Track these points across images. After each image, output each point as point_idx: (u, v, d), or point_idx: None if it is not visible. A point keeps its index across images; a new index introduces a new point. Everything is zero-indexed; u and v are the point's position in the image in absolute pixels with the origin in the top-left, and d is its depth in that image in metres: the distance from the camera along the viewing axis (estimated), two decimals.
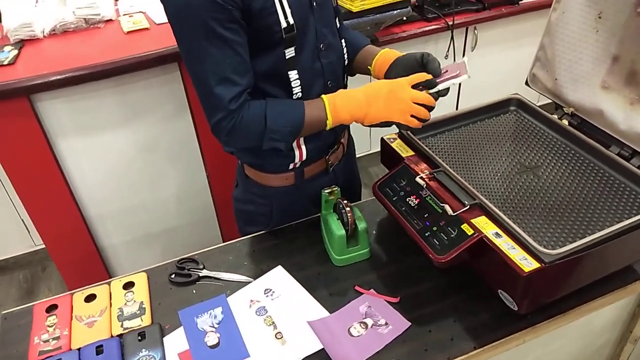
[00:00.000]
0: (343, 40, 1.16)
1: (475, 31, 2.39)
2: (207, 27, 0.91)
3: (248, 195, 1.25)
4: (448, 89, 1.04)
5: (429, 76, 1.02)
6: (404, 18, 2.22)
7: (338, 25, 1.14)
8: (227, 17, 0.91)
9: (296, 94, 1.07)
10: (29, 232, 2.20)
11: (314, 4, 1.04)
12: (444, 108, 2.70)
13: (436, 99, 1.03)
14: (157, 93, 1.69)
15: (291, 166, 1.17)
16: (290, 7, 0.98)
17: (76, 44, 1.67)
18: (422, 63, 1.07)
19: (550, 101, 1.26)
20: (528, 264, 0.86)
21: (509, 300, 0.94)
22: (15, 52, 1.60)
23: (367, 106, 1.02)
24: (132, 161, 1.79)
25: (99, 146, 1.71)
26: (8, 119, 1.51)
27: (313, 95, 1.10)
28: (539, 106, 1.25)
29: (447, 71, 1.06)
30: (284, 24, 0.98)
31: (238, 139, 1.04)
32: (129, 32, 1.70)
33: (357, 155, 1.42)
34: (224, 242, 2.08)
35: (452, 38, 2.31)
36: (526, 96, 1.30)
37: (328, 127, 1.05)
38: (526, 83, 1.30)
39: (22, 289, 2.31)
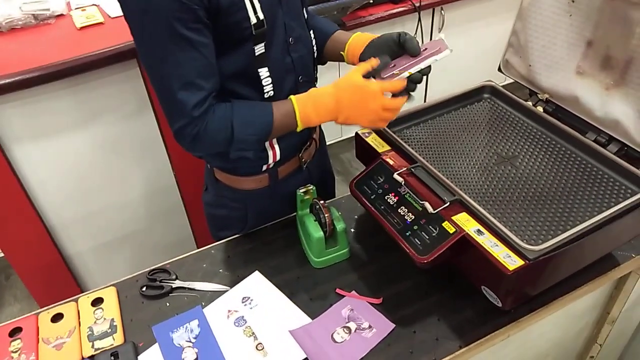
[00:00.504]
0: (312, 32, 1.11)
1: (442, 12, 2.36)
2: (171, 27, 0.84)
3: (220, 200, 1.20)
4: (430, 66, 0.99)
5: (404, 83, 0.97)
6: (371, 1, 2.17)
7: (306, 16, 1.08)
8: (192, 17, 0.85)
9: (267, 92, 1.02)
10: None
11: None
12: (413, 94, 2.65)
13: (420, 80, 0.99)
14: (116, 91, 1.60)
15: (264, 167, 1.12)
16: (259, 1, 0.92)
17: (25, 43, 1.56)
18: (400, 43, 1.02)
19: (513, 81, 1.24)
20: (512, 262, 0.84)
21: (493, 297, 0.92)
22: None
23: (337, 112, 0.98)
24: (93, 164, 1.70)
25: (57, 150, 1.62)
26: None
27: (284, 92, 1.05)
28: (504, 86, 1.23)
29: (426, 49, 1.01)
30: (253, 20, 0.92)
31: (203, 147, 0.98)
32: (82, 28, 1.59)
33: (328, 143, 1.38)
34: (196, 241, 2.05)
35: (419, 20, 2.27)
36: (496, 79, 1.28)
37: (298, 130, 1.01)
38: (499, 69, 1.27)
39: None
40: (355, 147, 1.19)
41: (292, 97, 0.99)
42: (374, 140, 1.13)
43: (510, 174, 1.04)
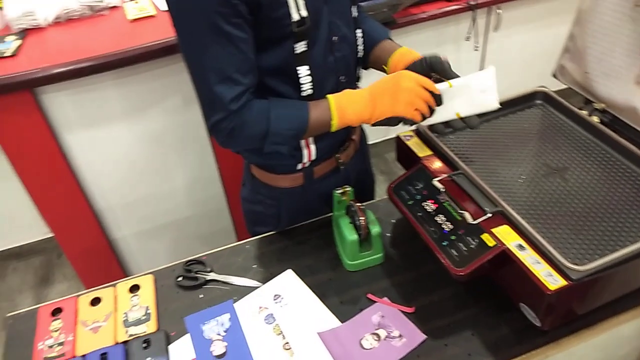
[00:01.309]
0: (359, 31, 1.08)
1: (498, 11, 2.27)
2: (211, 22, 0.84)
3: (256, 196, 1.20)
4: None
5: (437, 90, 0.95)
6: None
7: (355, 14, 1.06)
8: (233, 12, 0.84)
9: (305, 90, 1.00)
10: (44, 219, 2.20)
11: None
12: None
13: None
14: (163, 84, 1.63)
15: (300, 166, 1.11)
16: None
17: (80, 34, 1.61)
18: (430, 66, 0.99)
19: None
20: (553, 281, 0.80)
21: (532, 315, 0.88)
22: (18, 42, 1.55)
23: (373, 106, 0.95)
24: (140, 153, 1.75)
25: (106, 138, 1.68)
26: (11, 113, 1.48)
27: (324, 92, 1.03)
28: (558, 91, 1.17)
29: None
30: (295, 17, 0.91)
31: (238, 141, 0.98)
32: (133, 20, 1.63)
33: (372, 142, 1.36)
34: (236, 232, 2.08)
35: (473, 18, 2.20)
36: (551, 83, 1.22)
37: (333, 129, 0.99)
38: (553, 75, 1.21)
39: (38, 276, 2.33)
40: (396, 150, 1.17)
41: (329, 96, 0.99)
42: (415, 144, 1.10)
43: (559, 187, 0.99)
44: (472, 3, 2.14)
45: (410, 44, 2.26)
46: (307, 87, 1.00)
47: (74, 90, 1.54)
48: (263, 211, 1.21)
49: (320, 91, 1.02)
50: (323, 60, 1.01)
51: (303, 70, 0.98)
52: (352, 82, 1.12)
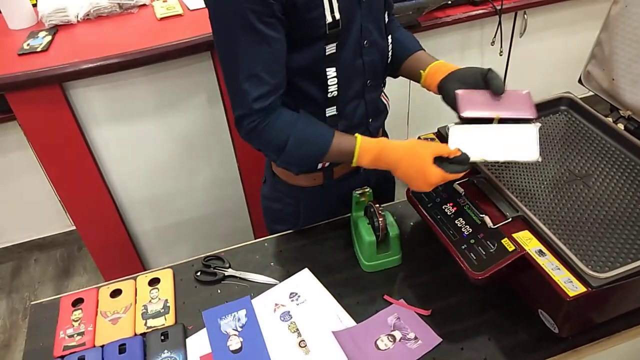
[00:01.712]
0: (389, 37, 1.08)
1: (525, 16, 2.25)
2: (245, 19, 0.85)
3: (276, 194, 1.21)
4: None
5: (463, 173, 0.94)
6: (449, 2, 2.11)
7: (387, 20, 1.06)
8: (267, 11, 0.86)
9: (331, 92, 1.01)
10: (65, 212, 2.25)
11: None
12: None
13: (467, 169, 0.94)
14: (189, 82, 1.65)
15: (320, 166, 1.12)
16: (338, 1, 0.91)
17: (109, 30, 1.65)
18: (485, 79, 0.98)
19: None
20: (573, 288, 0.79)
21: (550, 322, 0.87)
22: (49, 38, 1.59)
23: (394, 170, 0.97)
24: (164, 150, 1.78)
25: (131, 134, 1.70)
26: (40, 106, 1.51)
27: (350, 94, 1.04)
28: (583, 98, 1.15)
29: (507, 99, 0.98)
30: (329, 19, 0.92)
31: (256, 141, 1.00)
32: (162, 19, 1.66)
33: None
34: (254, 232, 2.09)
35: (499, 23, 2.18)
36: (576, 90, 1.20)
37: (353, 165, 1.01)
38: (579, 81, 1.20)
39: (59, 268, 2.38)
40: None
41: (358, 138, 0.98)
42: None
43: (582, 194, 0.98)
44: (498, 7, 2.12)
45: (434, 47, 2.26)
46: (333, 88, 1.01)
47: (101, 86, 1.57)
48: (282, 209, 1.22)
49: (345, 93, 1.03)
50: (351, 63, 1.01)
51: (331, 72, 0.99)
52: (379, 87, 1.12)
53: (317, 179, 1.15)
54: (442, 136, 1.11)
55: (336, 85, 1.01)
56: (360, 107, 1.09)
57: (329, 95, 1.01)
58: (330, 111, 1.05)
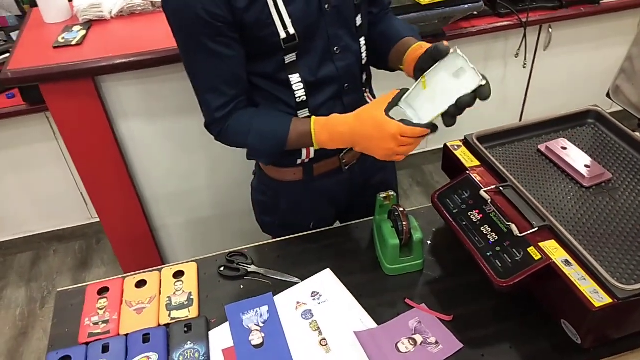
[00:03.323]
0: (362, 39, 1.07)
1: (550, 30, 2.25)
2: (198, 40, 0.92)
3: (260, 186, 1.26)
4: (467, 97, 0.87)
5: (426, 131, 0.90)
6: (475, 12, 2.12)
7: (359, 23, 1.05)
8: (217, 32, 0.91)
9: (299, 97, 1.03)
10: (86, 204, 2.28)
11: (326, 6, 0.97)
12: (509, 112, 2.58)
13: (454, 114, 0.89)
14: None
15: (299, 161, 1.13)
16: (291, 16, 0.93)
17: (142, 27, 1.68)
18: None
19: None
20: (599, 298, 0.79)
21: (573, 333, 0.88)
22: (83, 32, 1.62)
23: (352, 142, 0.97)
24: (189, 147, 1.80)
25: (158, 130, 1.73)
26: (73, 99, 1.55)
27: (321, 99, 1.05)
28: (611, 113, 1.15)
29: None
30: (283, 35, 0.95)
31: (225, 143, 1.08)
32: None
33: (411, 153, 1.34)
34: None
35: (524, 36, 2.19)
36: (602, 106, 1.20)
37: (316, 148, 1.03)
38: (607, 95, 1.20)
39: (77, 259, 2.41)
40: (442, 159, 1.17)
41: (312, 118, 1.00)
42: (462, 154, 1.11)
43: (608, 206, 0.98)
44: (523, 20, 2.13)
45: None
46: (300, 93, 1.03)
47: (132, 81, 1.60)
48: (266, 201, 1.26)
49: (314, 97, 1.04)
50: (317, 70, 1.02)
51: (295, 78, 1.01)
52: (358, 89, 1.12)
53: (297, 173, 1.16)
54: (469, 145, 1.12)
55: (303, 91, 1.03)
56: (337, 109, 1.07)
57: (298, 100, 1.04)
58: (303, 113, 1.06)
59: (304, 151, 1.11)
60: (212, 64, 0.95)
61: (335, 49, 1.02)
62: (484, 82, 0.86)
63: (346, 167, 1.19)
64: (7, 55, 1.84)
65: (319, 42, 1.00)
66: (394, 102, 0.93)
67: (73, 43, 1.56)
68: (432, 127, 0.91)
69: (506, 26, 2.15)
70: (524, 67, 2.31)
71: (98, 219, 1.99)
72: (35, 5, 1.73)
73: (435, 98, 0.90)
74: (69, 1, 1.76)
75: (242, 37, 0.94)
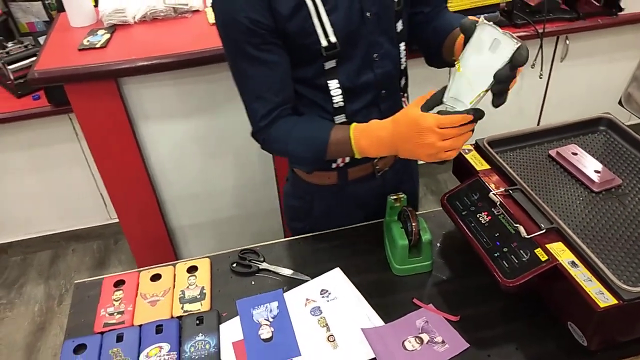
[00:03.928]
0: (402, 44, 1.08)
1: (567, 41, 2.25)
2: (243, 49, 0.94)
3: (294, 191, 1.26)
4: (507, 71, 0.80)
5: (467, 117, 0.84)
6: (491, 22, 2.13)
7: (400, 29, 1.06)
8: (261, 41, 0.93)
9: (337, 102, 1.05)
10: (105, 205, 2.33)
11: (367, 14, 0.98)
12: (525, 122, 2.57)
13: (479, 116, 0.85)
14: (233, 85, 1.72)
15: (334, 165, 1.15)
16: (333, 25, 0.95)
17: (163, 32, 1.73)
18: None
19: None
20: (604, 299, 0.80)
21: (579, 335, 0.88)
22: (108, 36, 1.68)
23: (394, 146, 0.93)
24: (205, 149, 1.85)
25: (176, 131, 1.78)
26: (96, 99, 1.60)
27: (357, 105, 1.06)
28: (629, 126, 1.16)
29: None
30: (324, 43, 0.97)
31: (270, 151, 1.10)
32: (213, 24, 1.73)
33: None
34: (285, 234, 2.13)
35: (540, 46, 2.19)
36: (618, 116, 1.21)
37: (357, 157, 1.01)
38: (619, 102, 1.21)
39: (95, 259, 2.46)
40: (453, 163, 1.18)
41: (352, 125, 0.98)
42: (473, 158, 1.12)
43: (617, 211, 0.99)
44: (540, 31, 2.14)
45: None
46: (337, 99, 1.05)
47: (153, 83, 1.65)
48: (300, 206, 1.26)
49: (352, 103, 1.05)
50: (356, 76, 1.04)
51: (333, 84, 1.03)
52: (395, 95, 1.13)
53: (331, 178, 1.17)
54: (480, 149, 1.13)
55: (341, 96, 1.04)
56: (374, 115, 1.07)
57: (335, 105, 1.05)
58: (339, 119, 1.08)
59: None
60: (256, 72, 0.97)
61: (375, 55, 1.03)
62: (519, 45, 0.78)
63: (379, 174, 1.20)
64: (34, 58, 1.91)
65: (359, 49, 1.01)
66: (434, 100, 0.88)
67: (97, 46, 1.62)
68: (474, 113, 0.84)
69: (522, 37, 2.16)
70: (540, 78, 2.31)
71: (116, 220, 2.05)
72: (63, 10, 1.80)
73: (473, 79, 0.84)
74: (95, 6, 1.82)
75: (284, 44, 0.97)
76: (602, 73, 2.43)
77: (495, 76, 0.80)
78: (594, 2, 2.27)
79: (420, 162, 1.37)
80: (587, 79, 2.43)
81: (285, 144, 1.03)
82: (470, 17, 0.84)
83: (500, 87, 0.82)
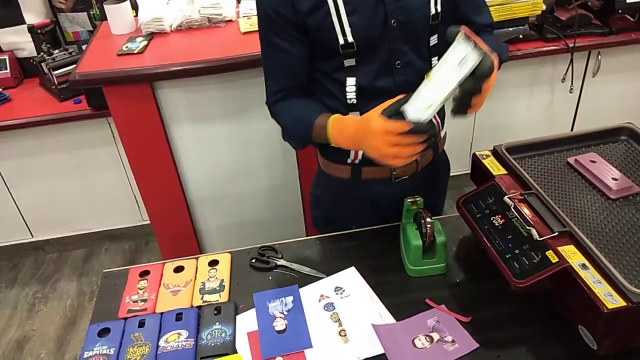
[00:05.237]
0: (435, 59, 1.10)
1: (599, 56, 2.23)
2: (267, 35, 1.07)
3: (317, 180, 1.33)
4: (471, 83, 0.83)
5: (406, 126, 0.87)
6: (520, 36, 2.14)
7: (434, 42, 1.08)
8: (282, 30, 1.03)
9: (350, 99, 1.10)
10: (139, 207, 2.42)
11: (392, 22, 1.01)
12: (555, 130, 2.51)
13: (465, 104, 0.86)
14: (260, 91, 1.78)
15: (349, 161, 1.19)
16: (351, 26, 1.00)
17: (198, 40, 1.82)
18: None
19: None
20: (612, 301, 0.80)
21: (589, 339, 0.88)
22: (145, 42, 1.78)
23: (357, 145, 1.04)
24: (232, 153, 1.91)
25: (206, 135, 1.85)
26: (132, 102, 1.69)
27: (373, 105, 1.04)
28: None
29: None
30: (341, 42, 1.03)
31: (276, 122, 1.18)
32: (245, 33, 1.81)
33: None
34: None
35: (571, 61, 2.18)
36: None
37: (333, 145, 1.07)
38: None
39: (126, 258, 2.55)
40: (471, 168, 1.20)
41: (333, 115, 1.06)
42: (490, 163, 1.13)
43: (633, 218, 0.98)
44: (570, 45, 2.13)
45: (503, 80, 2.28)
46: (351, 95, 1.09)
47: (186, 87, 1.73)
48: (319, 194, 1.33)
49: (368, 104, 1.04)
50: (374, 79, 1.07)
51: (351, 81, 1.08)
52: None
53: (345, 172, 1.21)
54: (498, 155, 1.14)
55: (354, 94, 1.08)
56: None
57: (348, 101, 1.10)
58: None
59: (352, 152, 1.17)
60: (275, 56, 1.09)
61: (396, 63, 1.07)
62: (482, 56, 0.80)
63: (396, 180, 1.22)
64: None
65: (380, 54, 1.05)
66: (397, 105, 0.90)
67: (135, 52, 1.71)
68: (417, 124, 0.85)
69: (552, 51, 2.16)
70: (571, 92, 2.29)
71: (148, 222, 2.12)
72: (105, 19, 1.91)
73: (437, 87, 0.84)
74: (135, 15, 1.93)
75: (306, 38, 1.05)
76: (636, 89, 2.39)
77: (461, 85, 0.85)
78: (629, 17, 2.25)
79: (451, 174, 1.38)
80: (620, 95, 2.39)
81: (283, 117, 1.15)
82: (464, 27, 0.86)
83: (462, 97, 0.87)
